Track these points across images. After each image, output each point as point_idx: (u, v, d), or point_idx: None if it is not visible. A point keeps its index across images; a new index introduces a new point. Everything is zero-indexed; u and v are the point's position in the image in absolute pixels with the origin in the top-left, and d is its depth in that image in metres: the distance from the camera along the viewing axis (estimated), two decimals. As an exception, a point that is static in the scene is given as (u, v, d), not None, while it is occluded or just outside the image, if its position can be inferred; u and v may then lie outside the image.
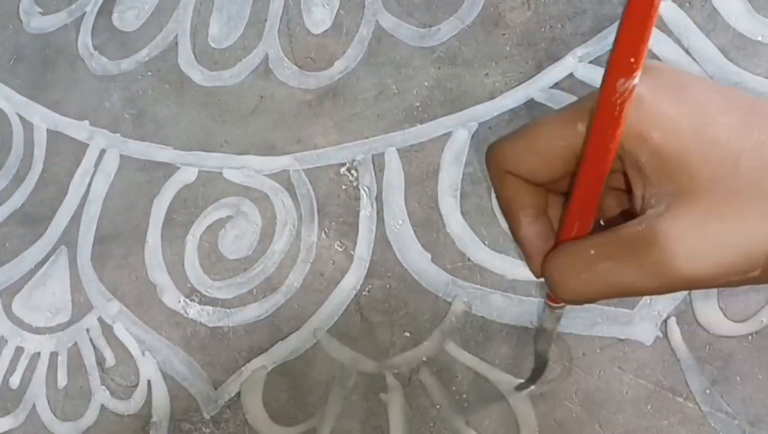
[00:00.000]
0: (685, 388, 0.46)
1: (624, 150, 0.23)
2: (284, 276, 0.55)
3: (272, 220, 0.57)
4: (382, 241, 0.54)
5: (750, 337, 0.46)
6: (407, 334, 0.51)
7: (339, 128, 0.58)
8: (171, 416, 0.53)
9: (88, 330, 0.57)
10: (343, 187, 0.56)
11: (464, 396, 0.49)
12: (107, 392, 0.55)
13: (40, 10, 0.69)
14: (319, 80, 0.59)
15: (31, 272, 0.60)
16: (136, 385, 0.55)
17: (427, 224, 0.53)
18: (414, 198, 0.54)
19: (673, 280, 0.22)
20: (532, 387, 0.48)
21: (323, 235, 0.55)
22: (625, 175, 0.24)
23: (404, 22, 0.59)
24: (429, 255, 0.53)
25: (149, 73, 0.64)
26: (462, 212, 0.53)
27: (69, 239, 0.61)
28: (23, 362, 0.58)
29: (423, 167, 0.55)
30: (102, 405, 0.55)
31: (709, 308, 0.47)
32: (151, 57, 0.64)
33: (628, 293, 0.24)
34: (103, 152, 0.62)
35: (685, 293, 0.48)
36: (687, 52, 0.52)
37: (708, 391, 0.46)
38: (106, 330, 0.57)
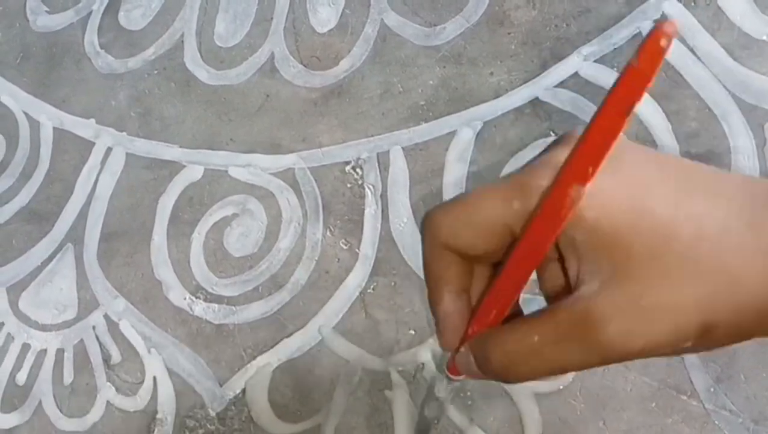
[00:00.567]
0: (689, 386, 0.46)
1: None
2: (289, 274, 0.55)
3: (278, 218, 0.57)
4: (386, 239, 0.54)
5: (754, 335, 0.46)
6: (412, 332, 0.52)
7: (344, 127, 0.58)
8: (176, 412, 0.54)
9: (94, 327, 0.58)
10: (348, 185, 0.56)
11: (469, 393, 0.49)
12: (113, 388, 0.55)
13: (47, 9, 0.70)
14: (325, 79, 0.60)
15: (38, 270, 0.61)
16: (142, 382, 0.55)
17: (432, 223, 0.53)
18: (419, 196, 0.54)
19: (611, 355, 0.22)
20: None
21: (328, 233, 0.56)
22: (559, 248, 0.24)
23: (409, 21, 0.59)
24: (434, 253, 0.53)
25: (155, 72, 0.64)
26: (467, 211, 0.53)
27: (75, 236, 0.61)
28: (30, 358, 0.58)
29: (428, 166, 0.55)
30: (108, 402, 0.55)
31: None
32: (157, 56, 0.65)
33: (572, 370, 0.24)
34: (109, 150, 0.63)
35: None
36: (692, 51, 0.52)
37: (712, 389, 0.46)
38: (112, 327, 0.57)
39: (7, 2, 0.71)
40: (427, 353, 0.51)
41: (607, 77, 0.53)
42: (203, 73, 0.63)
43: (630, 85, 0.20)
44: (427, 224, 0.25)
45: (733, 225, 0.21)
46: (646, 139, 0.51)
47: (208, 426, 0.53)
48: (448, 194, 0.54)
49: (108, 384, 0.56)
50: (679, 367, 0.47)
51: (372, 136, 0.57)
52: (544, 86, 0.54)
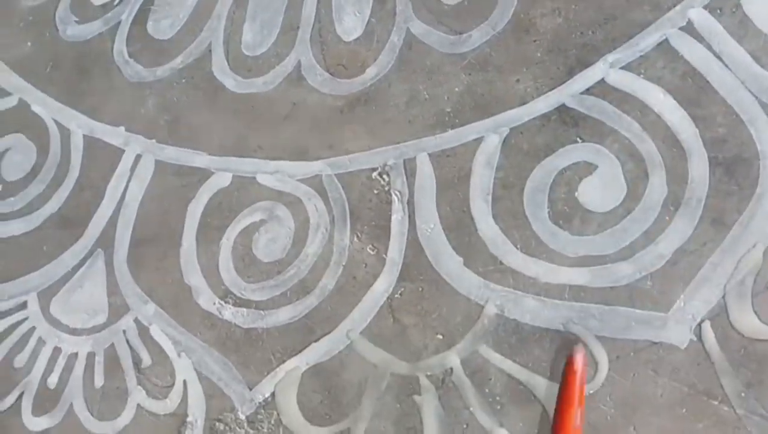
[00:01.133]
0: (719, 391, 0.46)
1: None
2: (317, 279, 0.56)
3: (305, 224, 0.58)
4: (413, 244, 0.55)
5: (785, 340, 0.46)
6: (440, 337, 0.52)
7: (370, 134, 0.58)
8: (206, 415, 0.54)
9: (124, 331, 0.58)
10: (375, 191, 0.57)
11: (497, 398, 0.50)
12: (143, 392, 0.56)
13: (76, 19, 0.71)
14: (351, 87, 0.60)
15: (69, 275, 0.62)
16: (172, 385, 0.56)
17: (459, 228, 0.54)
18: (446, 202, 0.55)
19: None
20: None
21: (355, 238, 0.56)
22: None
23: (435, 29, 0.59)
24: (461, 259, 0.53)
25: (183, 81, 0.65)
26: (494, 216, 0.53)
27: (105, 242, 0.62)
28: (61, 362, 0.59)
29: (454, 172, 0.55)
30: (138, 405, 0.56)
31: (743, 312, 0.48)
32: (185, 64, 0.66)
33: None
34: (138, 157, 0.64)
35: (719, 296, 0.48)
36: (718, 57, 0.53)
37: (743, 394, 0.46)
38: (143, 331, 0.58)
39: (36, 12, 0.72)
40: (455, 358, 0.51)
41: (632, 84, 0.54)
42: (231, 81, 0.64)
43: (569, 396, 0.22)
44: None
45: None
46: (674, 145, 0.51)
47: (238, 429, 0.53)
48: (475, 199, 0.54)
49: (138, 387, 0.56)
50: (709, 372, 0.47)
51: (398, 143, 0.58)
52: (570, 93, 0.54)
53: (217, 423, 0.54)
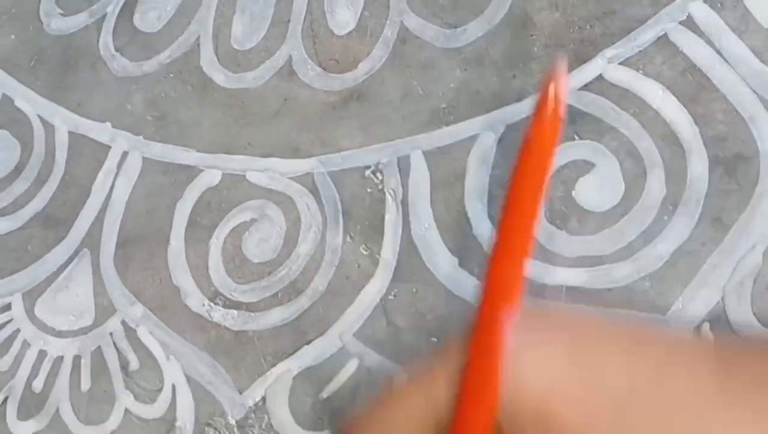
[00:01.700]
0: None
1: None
2: (309, 280, 0.55)
3: (297, 223, 0.56)
4: (408, 245, 0.54)
5: (786, 344, 0.45)
6: (434, 339, 0.51)
7: (364, 131, 0.57)
8: (196, 420, 0.53)
9: (111, 334, 0.57)
10: (369, 190, 0.56)
11: (493, 402, 0.49)
12: (131, 396, 0.55)
13: (61, 12, 0.69)
14: (344, 82, 0.59)
15: (54, 275, 0.60)
16: (161, 389, 0.54)
17: (454, 228, 0.53)
18: (440, 201, 0.54)
19: None
20: None
21: (348, 238, 0.55)
22: None
23: (430, 23, 0.58)
24: (456, 259, 0.52)
25: (171, 75, 0.64)
26: (490, 216, 0.52)
27: (91, 241, 0.60)
28: (46, 366, 0.58)
29: (449, 170, 0.54)
30: (126, 409, 0.55)
31: (742, 314, 0.47)
32: (173, 59, 0.64)
33: None
34: (125, 154, 0.62)
35: (718, 298, 0.47)
36: (719, 53, 0.52)
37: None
38: (130, 333, 0.57)
39: (20, 4, 0.70)
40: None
41: (631, 80, 0.53)
42: (220, 76, 0.62)
43: (534, 161, 0.18)
44: (347, 431, 0.23)
45: (697, 388, 0.19)
46: (673, 143, 0.50)
47: (228, 433, 0.52)
48: (470, 199, 0.53)
49: (126, 391, 0.55)
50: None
51: (392, 140, 0.56)
52: (568, 89, 0.53)
53: (206, 428, 0.53)
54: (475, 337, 0.20)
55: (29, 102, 0.67)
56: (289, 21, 0.62)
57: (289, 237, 0.56)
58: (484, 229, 0.52)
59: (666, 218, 0.49)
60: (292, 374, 0.53)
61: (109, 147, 0.63)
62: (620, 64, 0.53)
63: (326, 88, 0.59)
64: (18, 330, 0.59)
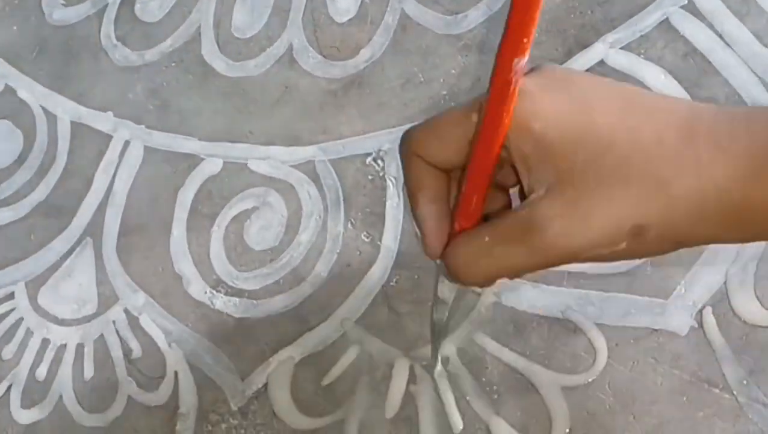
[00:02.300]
0: (721, 379, 0.45)
1: (510, 142, 0.25)
2: (311, 267, 0.55)
3: (298, 211, 0.56)
4: (409, 231, 0.53)
5: (789, 327, 0.45)
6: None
7: (365, 118, 0.57)
8: (198, 407, 0.53)
9: (114, 322, 0.57)
10: (370, 177, 0.56)
11: (495, 387, 0.49)
12: (134, 383, 0.55)
13: (63, 2, 0.69)
14: (345, 69, 0.59)
15: (57, 264, 0.60)
16: (163, 376, 0.55)
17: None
18: (441, 188, 0.53)
19: (552, 255, 0.25)
20: (438, 366, 0.49)
21: (350, 225, 0.55)
22: (514, 168, 0.26)
23: (430, 9, 0.58)
24: (457, 245, 0.52)
25: (173, 64, 0.64)
26: (491, 202, 0.52)
27: (94, 230, 0.61)
28: (49, 354, 0.58)
29: (450, 157, 0.54)
30: (129, 397, 0.55)
31: (745, 298, 0.47)
32: (174, 48, 0.64)
33: (520, 272, 0.26)
34: (127, 143, 0.62)
35: (720, 282, 0.47)
36: (720, 37, 0.51)
37: (745, 382, 0.45)
38: (133, 321, 0.57)
39: (22, -4, 0.71)
40: (451, 346, 0.50)
41: (633, 65, 0.52)
42: (221, 64, 0.62)
43: None
44: (402, 139, 0.29)
45: (668, 136, 0.23)
46: (675, 127, 0.50)
47: (231, 420, 0.52)
48: (471, 185, 0.53)
49: (129, 378, 0.55)
50: (710, 360, 0.46)
51: (393, 127, 0.56)
52: None
53: (209, 415, 0.53)
54: (494, 80, 0.24)
55: (32, 92, 0.67)
56: (289, 9, 0.62)
57: (291, 225, 0.56)
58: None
59: (668, 202, 0.49)
60: (293, 361, 0.53)
61: (111, 136, 0.63)
62: (622, 48, 0.53)
63: (327, 75, 0.59)
64: (21, 319, 0.60)
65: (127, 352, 0.56)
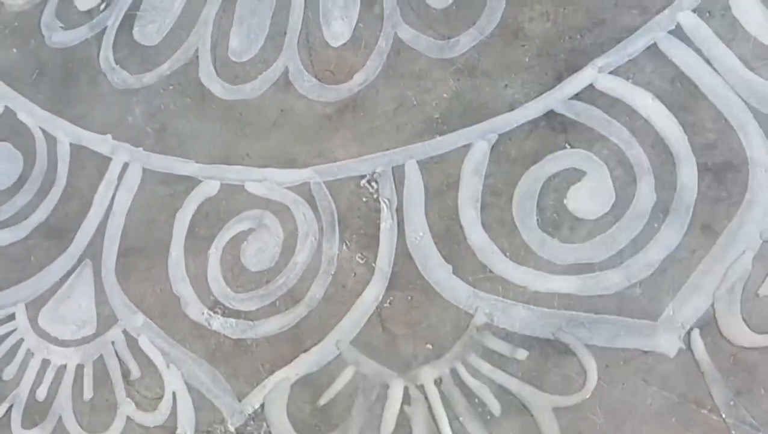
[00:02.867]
0: (709, 400, 0.46)
1: None
2: (306, 288, 0.55)
3: (294, 232, 0.57)
4: (403, 253, 0.54)
5: (775, 349, 0.46)
6: (429, 346, 0.52)
7: (359, 141, 0.58)
8: (196, 427, 0.54)
9: (113, 343, 0.58)
10: (364, 199, 0.56)
11: (487, 407, 0.49)
12: (133, 404, 0.56)
13: (62, 25, 0.70)
14: (339, 93, 0.60)
15: (57, 285, 0.61)
16: (162, 397, 0.55)
17: (448, 236, 0.54)
18: (434, 210, 0.55)
19: None
20: None
21: (344, 247, 0.56)
22: None
23: (423, 34, 0.59)
24: (450, 267, 0.53)
25: (171, 87, 0.64)
26: (483, 224, 0.53)
27: (93, 252, 0.61)
28: (49, 374, 0.59)
29: (443, 179, 0.55)
30: (128, 417, 0.56)
31: (732, 320, 0.47)
32: (172, 71, 0.65)
33: None
34: (126, 165, 0.63)
35: (708, 304, 0.48)
36: (708, 62, 0.52)
37: (732, 403, 0.46)
38: (131, 342, 0.58)
39: (22, 19, 0.72)
40: (445, 367, 0.51)
41: (621, 89, 0.53)
42: (218, 87, 0.63)
43: None
44: None
45: None
46: (663, 151, 0.51)
47: (228, 441, 0.53)
48: (464, 207, 0.54)
49: (128, 399, 0.56)
50: (698, 381, 0.47)
51: (387, 150, 0.57)
52: (559, 98, 0.54)
53: (207, 435, 0.54)
54: None
55: (31, 115, 0.68)
56: (285, 33, 0.63)
57: (287, 246, 0.57)
58: (477, 237, 0.53)
59: (656, 225, 0.50)
60: (290, 381, 0.53)
61: (110, 159, 0.64)
62: (610, 73, 0.54)
63: (322, 99, 0.60)
64: (22, 340, 0.60)
65: (126, 373, 0.57)
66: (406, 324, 0.53)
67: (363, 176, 0.57)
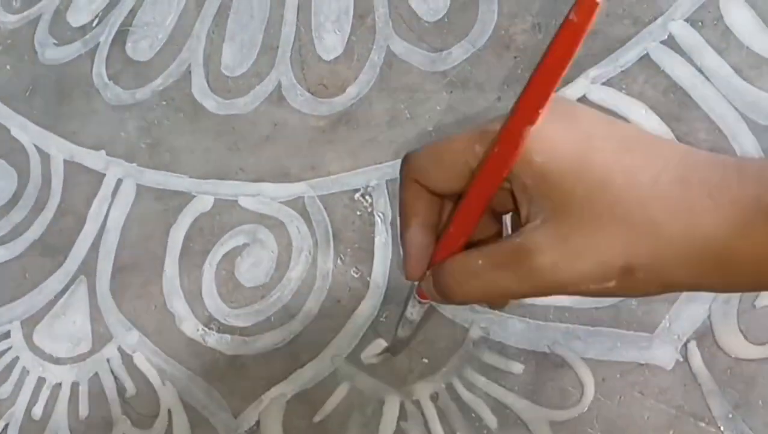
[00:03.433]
0: (707, 413, 0.46)
1: (512, 173, 0.26)
2: (301, 303, 0.55)
3: (288, 247, 0.57)
4: (397, 267, 0.54)
5: (772, 361, 0.46)
6: (425, 361, 0.51)
7: (353, 154, 0.58)
8: (192, 445, 0.54)
9: (108, 360, 0.58)
10: (358, 213, 0.56)
11: (484, 422, 0.49)
12: (128, 422, 0.56)
13: (55, 41, 0.70)
14: (332, 107, 0.60)
15: (51, 303, 0.61)
16: (157, 415, 0.55)
17: (443, 250, 0.53)
18: (429, 223, 0.54)
19: (541, 284, 0.25)
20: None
21: (339, 261, 0.56)
22: (513, 195, 0.27)
23: (415, 47, 0.59)
24: (445, 281, 0.52)
25: (164, 103, 0.64)
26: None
27: (88, 269, 0.61)
28: (45, 393, 0.58)
29: (437, 192, 0.55)
30: (123, 435, 0.55)
31: (729, 331, 0.47)
32: (165, 86, 0.65)
33: (507, 296, 0.27)
34: (119, 181, 0.63)
35: (704, 316, 0.48)
36: (700, 71, 0.52)
37: (730, 415, 0.45)
38: (126, 359, 0.57)
39: (15, 35, 0.72)
40: (441, 382, 0.51)
41: (615, 100, 0.53)
42: (211, 102, 0.63)
43: (568, 39, 0.24)
44: (403, 161, 0.30)
45: (663, 179, 0.24)
46: (657, 162, 0.51)
47: (224, 458, 0.53)
48: (458, 220, 0.54)
49: (123, 417, 0.56)
50: (696, 393, 0.46)
51: (381, 163, 0.57)
52: None
53: (203, 452, 0.53)
54: (505, 129, 0.25)
55: (25, 131, 0.68)
56: (278, 47, 0.63)
57: (281, 261, 0.57)
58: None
59: (651, 236, 0.50)
60: (285, 398, 0.53)
61: (104, 175, 0.64)
62: (603, 84, 0.54)
63: (315, 112, 0.60)
64: (17, 358, 0.60)
65: (121, 390, 0.57)
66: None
67: (357, 190, 0.57)
